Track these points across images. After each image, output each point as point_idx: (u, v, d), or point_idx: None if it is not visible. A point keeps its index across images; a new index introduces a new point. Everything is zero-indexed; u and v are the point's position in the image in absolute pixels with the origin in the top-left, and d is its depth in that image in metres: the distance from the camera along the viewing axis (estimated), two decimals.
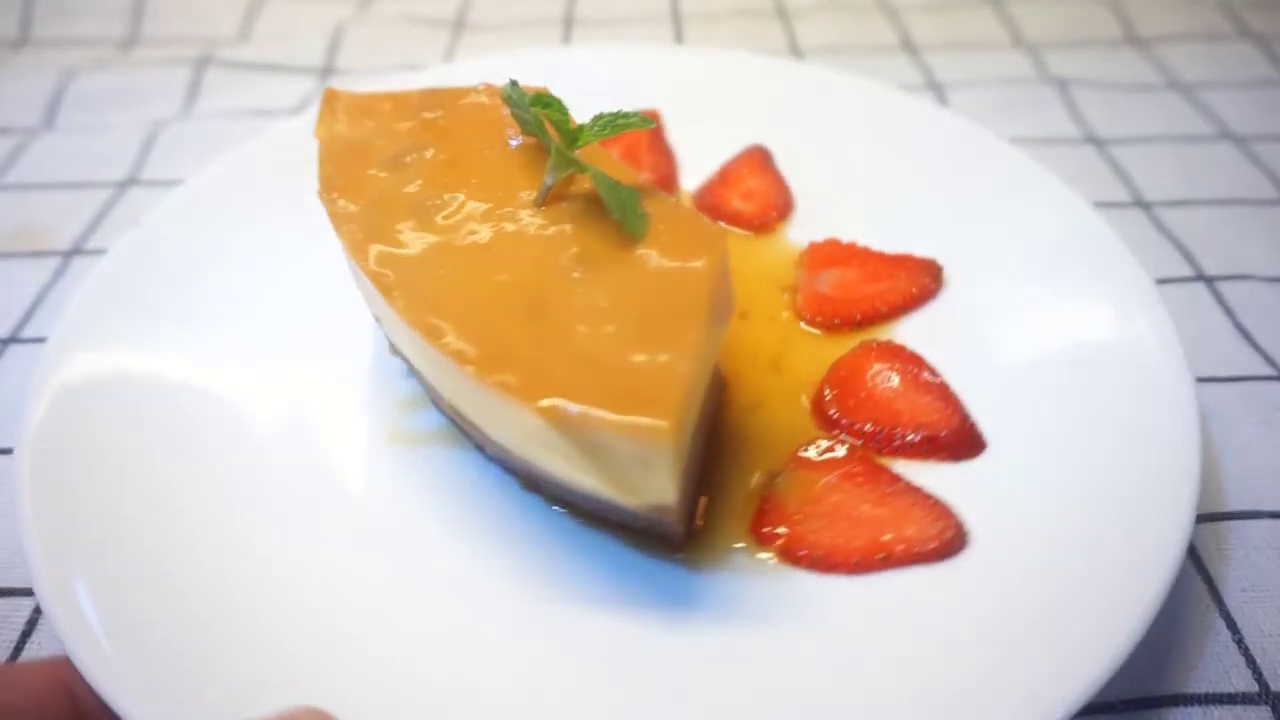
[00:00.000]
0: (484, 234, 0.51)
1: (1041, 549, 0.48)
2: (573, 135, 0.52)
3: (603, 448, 0.44)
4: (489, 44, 1.05)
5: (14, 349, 0.69)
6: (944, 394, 0.58)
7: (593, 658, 0.47)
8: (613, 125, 0.52)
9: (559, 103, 0.53)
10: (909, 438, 0.55)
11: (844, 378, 0.59)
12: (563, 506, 0.55)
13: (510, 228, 0.51)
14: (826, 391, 0.59)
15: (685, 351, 0.44)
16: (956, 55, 1.01)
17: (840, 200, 0.74)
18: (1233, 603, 0.52)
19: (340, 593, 0.50)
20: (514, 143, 0.56)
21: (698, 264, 0.48)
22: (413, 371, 0.60)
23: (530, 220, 0.51)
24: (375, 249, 0.51)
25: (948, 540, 0.49)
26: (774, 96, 0.81)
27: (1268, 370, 0.65)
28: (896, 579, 0.49)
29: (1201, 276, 0.73)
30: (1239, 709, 0.47)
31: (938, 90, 0.95)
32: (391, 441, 0.59)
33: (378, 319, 0.59)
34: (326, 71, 1.01)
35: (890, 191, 0.73)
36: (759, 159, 0.77)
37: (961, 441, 0.55)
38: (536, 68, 0.69)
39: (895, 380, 0.58)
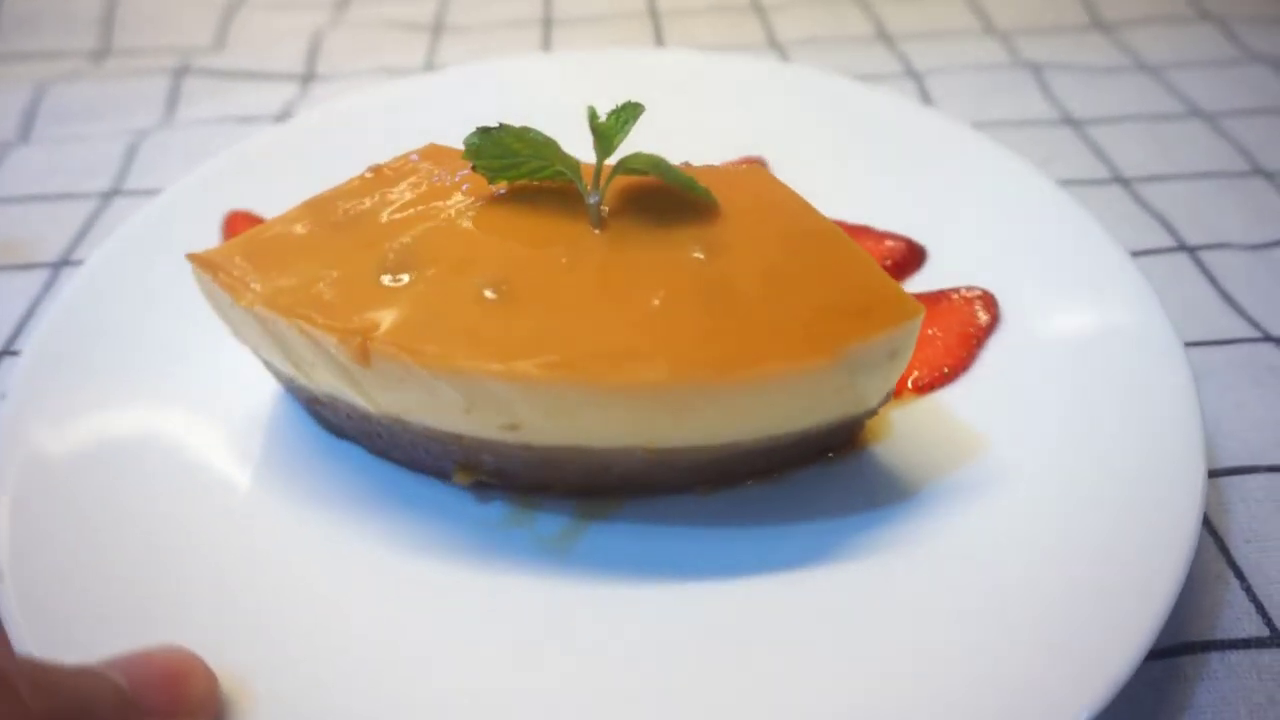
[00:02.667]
0: (575, 272, 0.49)
1: (1064, 522, 0.49)
2: (607, 140, 0.51)
3: (863, 366, 0.48)
4: (469, 46, 1.05)
5: (7, 361, 0.67)
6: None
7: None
8: (632, 116, 0.52)
9: (542, 136, 0.52)
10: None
11: None
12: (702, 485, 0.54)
13: (595, 256, 0.50)
14: None
15: (862, 256, 0.50)
16: (931, 44, 1.03)
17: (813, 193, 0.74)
18: (1238, 553, 0.53)
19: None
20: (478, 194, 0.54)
21: (782, 195, 0.54)
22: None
23: (603, 244, 0.50)
24: (435, 328, 0.47)
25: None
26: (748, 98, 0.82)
27: (1253, 333, 0.67)
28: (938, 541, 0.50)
29: (1183, 247, 0.75)
30: (1253, 653, 0.49)
31: (916, 78, 0.97)
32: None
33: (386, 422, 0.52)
34: (308, 77, 1.00)
35: (865, 180, 0.73)
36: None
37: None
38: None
39: None
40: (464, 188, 0.55)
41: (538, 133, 0.52)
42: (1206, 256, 0.74)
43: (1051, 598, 0.45)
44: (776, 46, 1.04)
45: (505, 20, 1.10)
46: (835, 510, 0.53)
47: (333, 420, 0.57)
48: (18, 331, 0.70)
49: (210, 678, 0.44)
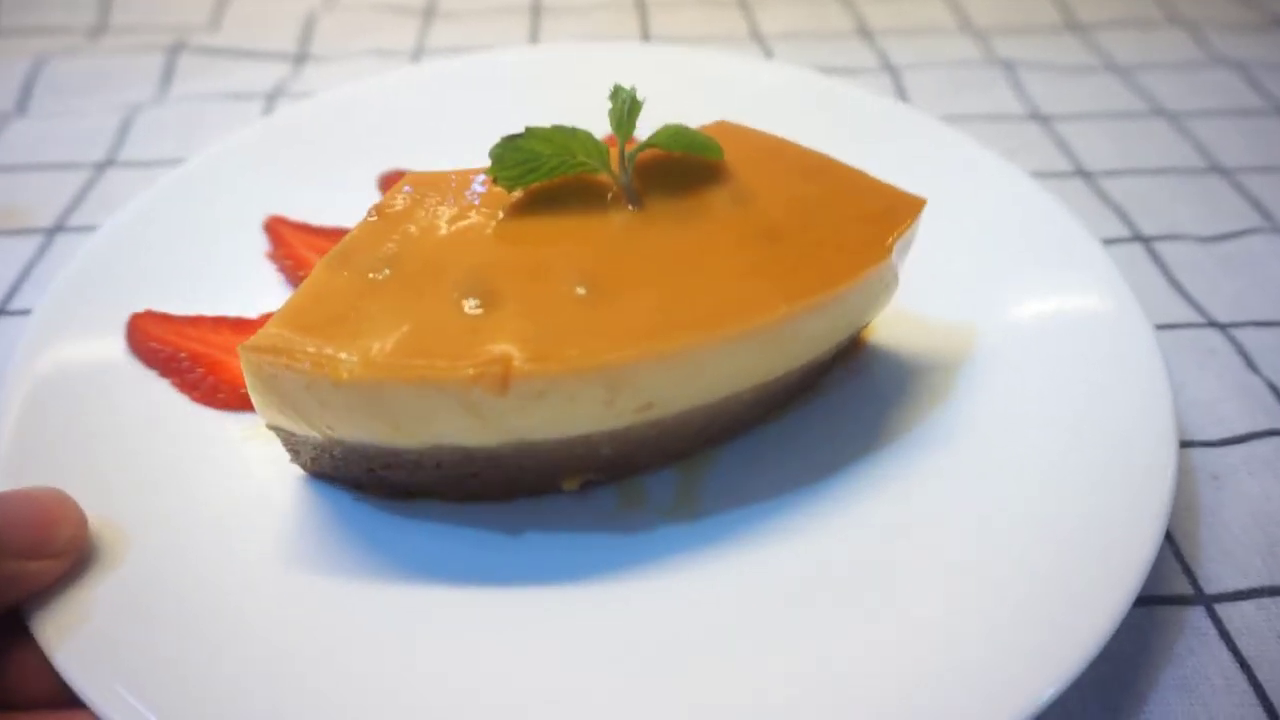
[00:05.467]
0: (641, 249, 0.52)
1: (1044, 490, 0.52)
2: (624, 123, 0.54)
3: (899, 257, 0.55)
4: (459, 32, 1.08)
5: (2, 321, 0.70)
6: None
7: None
8: (634, 101, 0.55)
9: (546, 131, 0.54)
10: None
11: None
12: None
13: (650, 231, 0.53)
14: None
15: (856, 172, 0.59)
16: (908, 40, 1.06)
17: None
18: (1173, 521, 0.57)
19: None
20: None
21: (766, 140, 0.60)
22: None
23: (648, 219, 0.53)
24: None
25: None
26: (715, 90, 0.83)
27: (1197, 318, 0.71)
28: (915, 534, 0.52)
29: (1138, 237, 0.79)
30: (1174, 609, 0.52)
31: (892, 72, 1.00)
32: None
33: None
34: (300, 57, 1.03)
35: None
36: None
37: None
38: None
39: None
40: (478, 203, 0.55)
41: (563, 128, 0.54)
42: (1160, 247, 0.78)
43: (1046, 555, 0.48)
44: (759, 39, 1.07)
45: (495, 7, 1.12)
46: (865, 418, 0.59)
47: (400, 481, 0.53)
48: (13, 291, 0.72)
49: (80, 522, 0.46)
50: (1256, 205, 0.82)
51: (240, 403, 0.57)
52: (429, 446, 0.49)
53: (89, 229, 0.78)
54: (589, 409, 0.48)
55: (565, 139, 0.54)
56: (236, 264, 0.67)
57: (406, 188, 0.56)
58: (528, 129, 0.53)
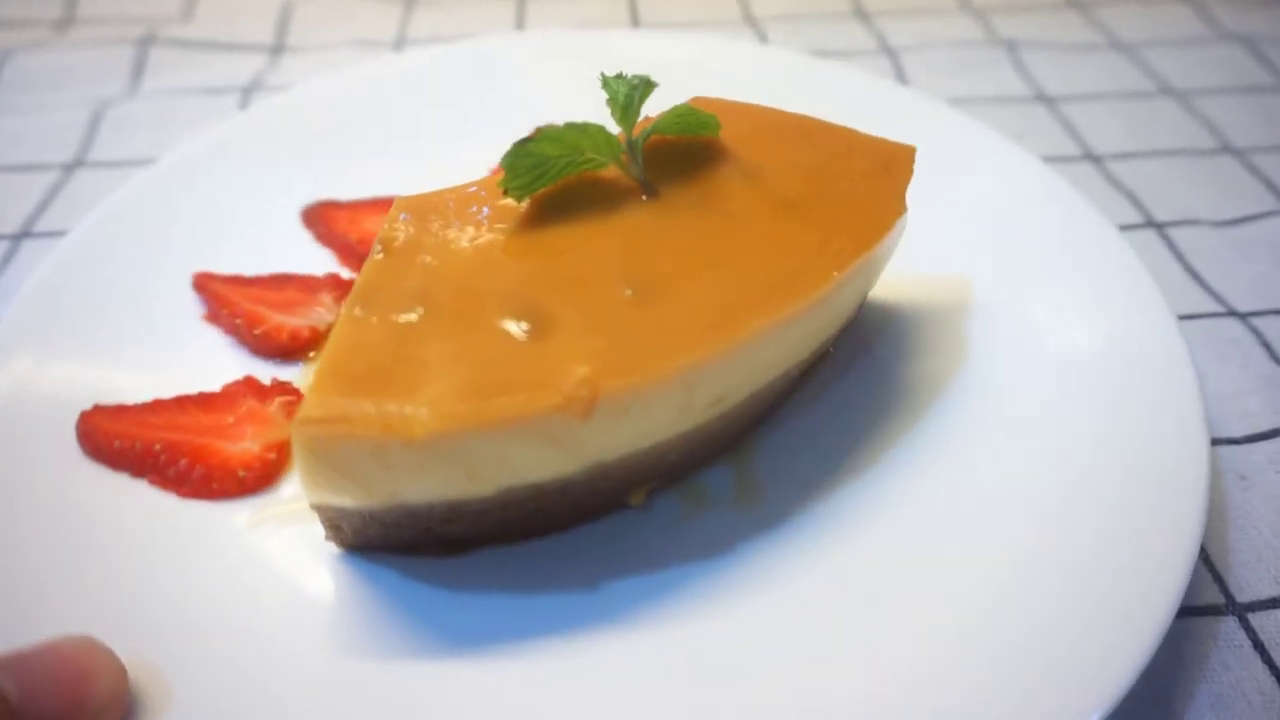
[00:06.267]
0: (675, 240, 0.50)
1: (1071, 501, 0.49)
2: (628, 111, 0.52)
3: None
4: (441, 20, 1.04)
5: None
6: None
7: None
8: (647, 84, 0.53)
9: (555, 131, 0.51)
10: None
11: None
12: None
13: (677, 221, 0.51)
14: None
15: (845, 130, 0.59)
16: (906, 20, 1.03)
17: None
18: None
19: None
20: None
21: (751, 111, 0.59)
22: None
23: (668, 208, 0.52)
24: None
25: None
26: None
27: (1217, 308, 0.68)
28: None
29: (1152, 223, 0.76)
30: (1206, 620, 0.50)
31: (891, 55, 0.97)
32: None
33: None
34: (276, 49, 0.98)
35: None
36: None
37: None
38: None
39: None
40: (486, 218, 0.51)
41: (575, 125, 0.51)
42: (1174, 233, 0.75)
43: (1081, 574, 0.46)
44: (752, 23, 1.03)
45: None
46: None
47: (458, 534, 0.49)
48: None
49: (118, 674, 0.39)
50: (1271, 186, 0.80)
51: (237, 488, 0.52)
52: (500, 490, 0.46)
53: (58, 234, 0.74)
54: (667, 415, 0.47)
55: (576, 137, 0.51)
56: (171, 331, 0.60)
57: (403, 215, 0.52)
58: (539, 131, 0.51)
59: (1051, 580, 0.46)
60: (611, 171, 0.53)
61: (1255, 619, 0.49)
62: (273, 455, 0.53)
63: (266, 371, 0.59)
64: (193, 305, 0.63)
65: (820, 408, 0.57)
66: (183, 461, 0.52)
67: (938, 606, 0.46)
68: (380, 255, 0.49)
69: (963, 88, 0.91)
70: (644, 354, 0.44)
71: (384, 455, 0.42)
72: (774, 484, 0.53)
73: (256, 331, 0.60)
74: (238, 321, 0.61)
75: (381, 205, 0.70)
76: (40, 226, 0.75)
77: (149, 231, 0.66)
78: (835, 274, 0.49)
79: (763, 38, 1.00)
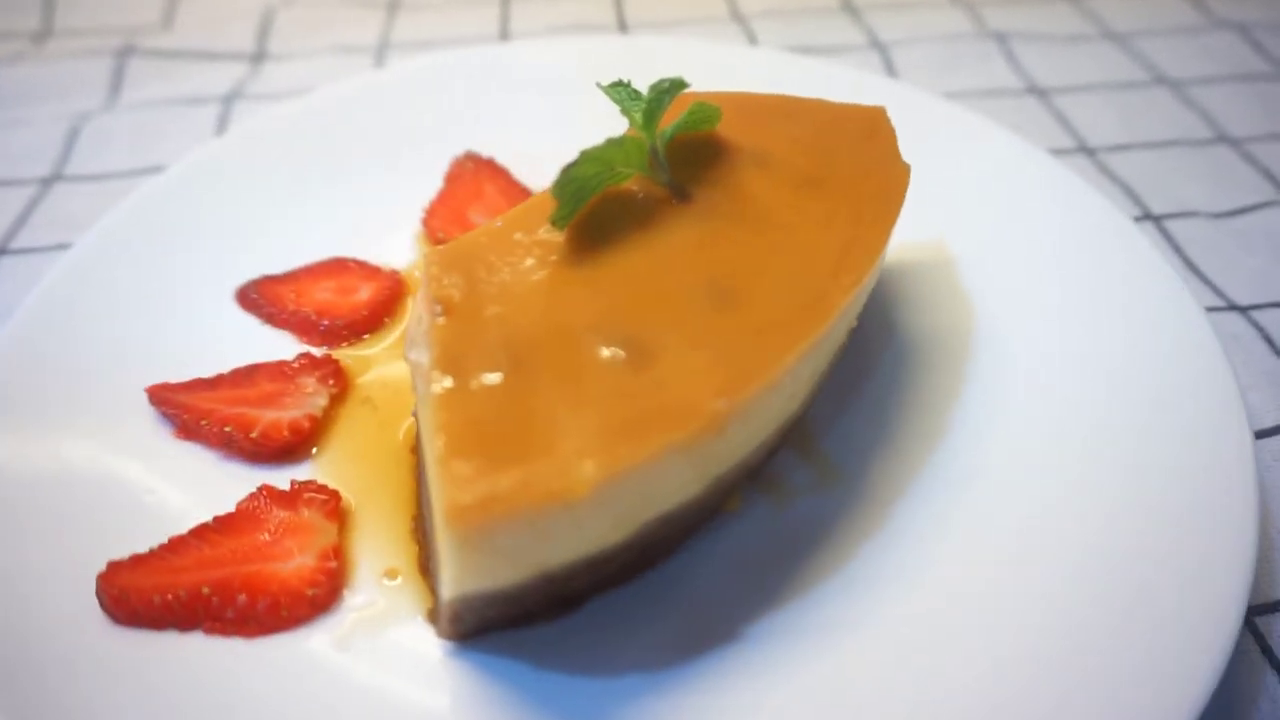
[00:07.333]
0: (733, 239, 0.50)
1: (1133, 476, 0.50)
2: (650, 119, 0.51)
3: None
4: (425, 24, 1.02)
5: None
6: None
7: None
8: (671, 88, 0.52)
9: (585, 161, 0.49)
10: None
11: None
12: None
13: (723, 222, 0.51)
14: None
15: (818, 102, 0.60)
16: (896, 14, 1.01)
17: None
18: None
19: None
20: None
21: (739, 99, 0.58)
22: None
23: (707, 209, 0.51)
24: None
25: None
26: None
27: (1218, 301, 0.67)
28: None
29: (1149, 216, 0.75)
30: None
31: (881, 49, 0.96)
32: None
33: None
34: (258, 56, 0.97)
35: None
36: None
37: None
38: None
39: None
40: (531, 255, 0.49)
41: (613, 140, 0.49)
42: (1172, 225, 0.74)
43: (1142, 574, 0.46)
44: (739, 20, 1.02)
45: None
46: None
47: (577, 589, 0.47)
48: None
49: None
50: (1268, 176, 0.79)
51: (309, 609, 0.47)
52: (638, 528, 0.45)
53: (36, 251, 0.73)
54: (774, 413, 0.48)
55: (611, 153, 0.49)
56: (140, 459, 0.53)
57: (433, 268, 0.48)
58: (582, 154, 0.48)
59: (1129, 572, 0.46)
60: (634, 181, 0.52)
61: (1262, 622, 0.48)
62: (332, 563, 0.48)
63: (256, 478, 0.53)
64: (151, 421, 0.55)
65: (845, 380, 0.59)
66: (240, 598, 0.45)
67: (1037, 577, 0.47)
68: (442, 319, 0.45)
69: (955, 82, 0.90)
70: (754, 360, 0.44)
71: (543, 522, 0.40)
72: (845, 461, 0.54)
73: (253, 435, 0.53)
74: (227, 429, 0.54)
75: (325, 269, 0.66)
76: (17, 244, 0.74)
77: (61, 347, 0.57)
78: (885, 236, 0.52)
79: (750, 36, 0.99)
